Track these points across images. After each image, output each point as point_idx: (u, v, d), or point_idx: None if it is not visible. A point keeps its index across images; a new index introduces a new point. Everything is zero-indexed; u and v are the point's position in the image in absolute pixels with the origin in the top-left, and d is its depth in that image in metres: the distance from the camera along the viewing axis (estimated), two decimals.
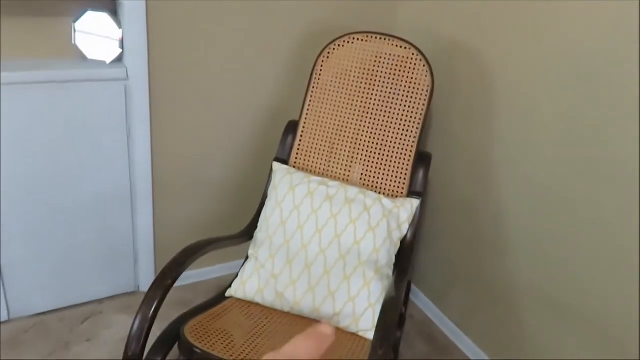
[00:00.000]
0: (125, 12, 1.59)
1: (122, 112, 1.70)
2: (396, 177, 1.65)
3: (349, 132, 1.69)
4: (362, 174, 1.67)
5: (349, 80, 1.70)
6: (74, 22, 1.63)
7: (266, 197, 1.65)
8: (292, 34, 1.89)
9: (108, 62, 1.67)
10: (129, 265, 1.95)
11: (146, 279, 2.00)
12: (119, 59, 1.69)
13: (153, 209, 1.91)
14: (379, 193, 1.64)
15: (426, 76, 1.65)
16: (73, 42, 1.65)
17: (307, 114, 1.72)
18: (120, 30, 1.64)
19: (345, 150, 1.69)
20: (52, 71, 1.57)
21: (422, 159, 1.65)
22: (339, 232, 1.50)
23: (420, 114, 1.64)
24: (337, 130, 1.70)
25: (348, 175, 1.68)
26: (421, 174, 1.63)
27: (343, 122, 1.69)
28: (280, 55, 1.90)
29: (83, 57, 1.67)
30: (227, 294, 1.55)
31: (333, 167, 1.70)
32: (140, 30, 1.62)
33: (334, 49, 1.71)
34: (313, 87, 1.72)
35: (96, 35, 1.65)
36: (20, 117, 1.57)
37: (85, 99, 1.63)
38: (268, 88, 1.93)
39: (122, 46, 1.66)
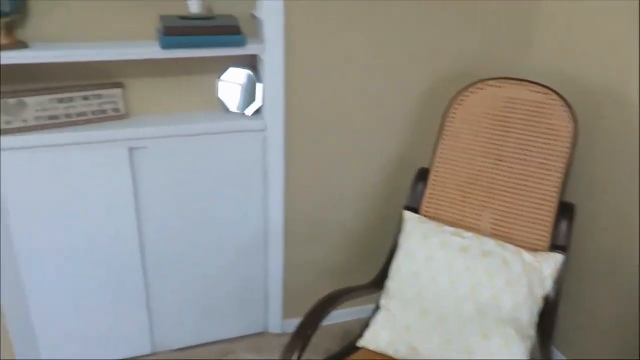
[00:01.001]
0: (265, 68, 1.69)
1: (260, 161, 1.79)
2: (536, 229, 1.56)
3: (483, 181, 1.64)
4: (497, 225, 1.60)
5: (482, 127, 1.66)
6: (219, 78, 1.77)
7: (397, 246, 1.64)
8: (423, 82, 1.89)
9: (249, 114, 1.78)
10: (259, 306, 2.02)
11: (275, 321, 2.06)
12: (259, 111, 1.80)
13: (284, 253, 1.97)
14: (517, 246, 1.56)
15: (568, 122, 1.56)
16: (217, 96, 1.78)
17: (438, 162, 1.69)
18: (261, 84, 1.75)
19: (478, 200, 1.64)
20: (197, 124, 1.70)
21: (565, 210, 1.55)
22: (475, 286, 1.44)
23: (562, 162, 1.55)
24: (470, 178, 1.65)
25: (481, 226, 1.62)
26: (564, 227, 1.53)
27: (477, 170, 1.65)
28: (411, 102, 1.91)
29: (226, 110, 1.79)
30: (358, 344, 1.54)
31: (466, 217, 1.64)
32: (279, 85, 1.71)
33: (466, 95, 1.68)
34: (445, 134, 1.69)
35: (238, 89, 1.77)
36: (168, 168, 1.71)
37: (227, 150, 1.75)
38: (398, 136, 1.94)
39: (261, 99, 1.77)
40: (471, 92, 1.68)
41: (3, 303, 1.71)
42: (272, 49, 1.66)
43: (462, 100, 1.69)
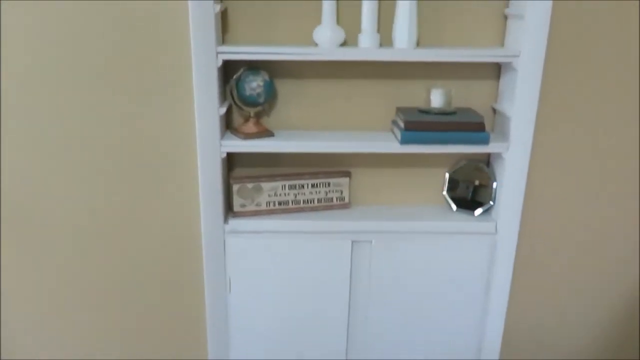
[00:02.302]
0: (505, 167, 1.53)
1: (484, 267, 1.61)
2: None
3: None
4: None
5: None
6: (447, 172, 1.64)
7: None
8: None
9: (476, 214, 1.62)
10: None
11: None
12: (487, 212, 1.63)
13: None
14: None
15: None
16: (443, 192, 1.66)
17: None
18: (494, 182, 1.59)
19: None
20: (421, 222, 1.59)
21: None
22: None
23: None
24: None
25: None
26: None
27: None
28: None
29: (451, 207, 1.65)
30: None
31: None
32: (518, 186, 1.54)
33: None
34: None
35: (468, 186, 1.63)
36: (385, 263, 1.60)
37: (449, 251, 1.59)
38: None
39: (493, 199, 1.60)
40: None
41: None
42: (516, 148, 1.50)
43: None
